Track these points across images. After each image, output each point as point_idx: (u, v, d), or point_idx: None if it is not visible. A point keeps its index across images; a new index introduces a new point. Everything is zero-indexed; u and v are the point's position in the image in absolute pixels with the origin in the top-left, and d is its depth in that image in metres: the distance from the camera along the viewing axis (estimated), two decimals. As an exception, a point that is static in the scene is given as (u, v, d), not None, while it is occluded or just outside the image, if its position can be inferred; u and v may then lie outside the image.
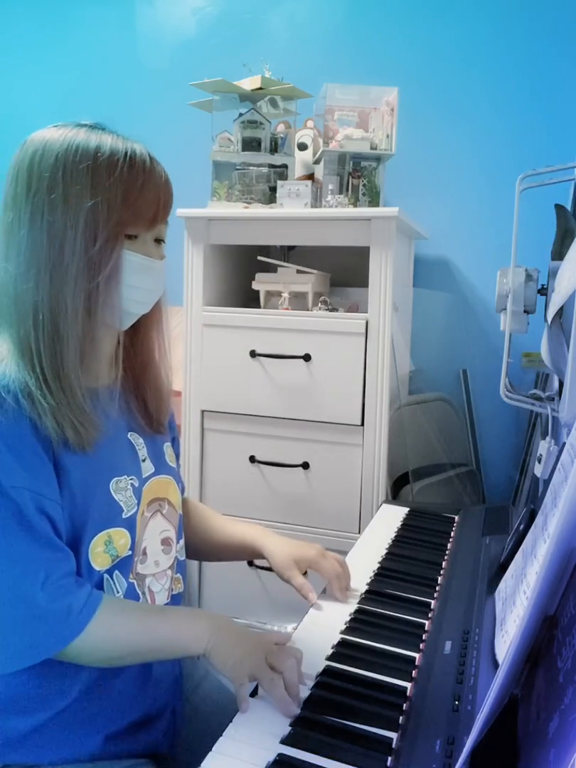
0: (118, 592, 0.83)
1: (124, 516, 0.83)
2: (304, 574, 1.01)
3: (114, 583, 0.82)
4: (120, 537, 0.82)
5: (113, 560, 0.82)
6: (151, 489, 0.91)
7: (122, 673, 0.83)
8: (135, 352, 0.92)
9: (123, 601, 0.82)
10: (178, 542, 0.96)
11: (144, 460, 0.91)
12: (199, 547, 1.06)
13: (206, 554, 1.10)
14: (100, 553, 0.80)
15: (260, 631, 0.78)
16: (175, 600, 0.95)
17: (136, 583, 0.87)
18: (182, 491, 1.03)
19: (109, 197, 0.77)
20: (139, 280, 0.82)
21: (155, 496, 0.91)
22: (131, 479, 0.86)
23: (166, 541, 0.92)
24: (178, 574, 0.96)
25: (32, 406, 0.75)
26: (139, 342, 0.92)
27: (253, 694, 0.73)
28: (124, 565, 0.84)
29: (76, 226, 0.76)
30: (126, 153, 0.78)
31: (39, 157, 0.77)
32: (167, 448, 0.98)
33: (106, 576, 0.81)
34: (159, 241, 0.86)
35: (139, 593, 0.87)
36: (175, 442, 1.05)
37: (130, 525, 0.84)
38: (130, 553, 0.84)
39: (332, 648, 0.83)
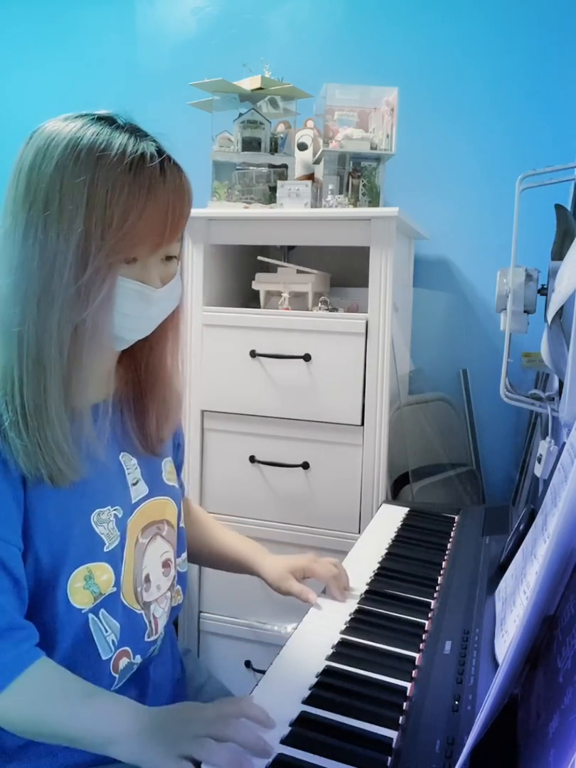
0: (107, 632, 0.79)
1: (105, 549, 0.79)
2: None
3: (102, 624, 0.79)
4: (102, 572, 0.78)
5: (96, 598, 0.78)
6: (145, 514, 0.87)
7: (123, 683, 0.82)
8: (144, 360, 0.86)
9: (53, 675, 0.72)
10: (179, 556, 0.94)
11: (135, 483, 0.86)
12: (195, 552, 1.05)
13: (200, 560, 1.09)
14: (79, 589, 0.76)
15: (220, 696, 0.71)
16: (175, 611, 0.94)
17: (143, 614, 0.85)
18: (183, 492, 1.02)
19: (105, 221, 0.69)
20: (135, 309, 0.75)
21: (151, 520, 0.88)
22: (115, 510, 0.81)
23: (165, 564, 0.90)
24: (178, 586, 0.94)
25: (3, 441, 0.70)
26: (149, 349, 0.86)
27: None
28: (110, 603, 0.80)
29: (67, 251, 0.69)
30: (133, 162, 0.70)
31: (40, 160, 0.71)
32: (166, 463, 0.93)
33: (90, 616, 0.77)
34: (169, 258, 0.77)
35: (146, 622, 0.85)
36: (179, 450, 1.02)
37: (113, 559, 0.80)
38: (114, 590, 0.80)
39: (332, 648, 0.83)
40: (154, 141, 0.76)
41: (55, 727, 0.69)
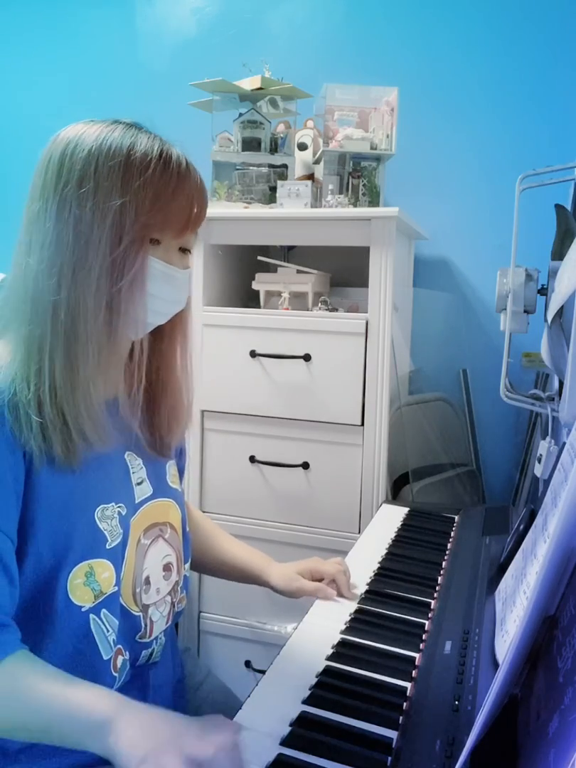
0: (109, 631, 0.79)
1: (108, 546, 0.79)
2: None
3: (103, 623, 0.78)
4: (103, 570, 0.78)
5: (96, 597, 0.78)
6: (148, 514, 0.87)
7: (122, 687, 0.82)
8: (155, 365, 0.88)
9: (29, 667, 0.68)
10: (184, 564, 0.94)
11: (140, 483, 0.86)
12: (197, 560, 1.04)
13: (204, 569, 1.09)
14: (80, 585, 0.76)
15: (187, 723, 0.64)
16: (177, 616, 0.93)
17: (141, 617, 0.84)
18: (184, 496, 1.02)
19: (139, 198, 0.74)
20: (160, 289, 0.79)
21: (154, 522, 0.88)
22: (119, 507, 0.82)
23: (167, 567, 0.89)
24: (184, 592, 0.94)
25: (15, 420, 0.71)
26: (160, 354, 0.88)
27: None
28: (110, 602, 0.79)
29: (103, 224, 0.73)
30: (161, 154, 0.76)
31: (72, 149, 0.75)
32: (170, 466, 0.94)
33: (91, 616, 0.77)
34: (185, 250, 0.82)
35: (143, 624, 0.85)
36: (181, 455, 1.02)
37: (115, 557, 0.80)
38: (115, 589, 0.80)
39: (332, 648, 0.83)
40: (176, 146, 0.81)
41: (30, 718, 0.65)
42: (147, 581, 0.85)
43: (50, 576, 0.75)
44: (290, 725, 0.67)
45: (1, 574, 0.70)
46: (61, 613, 0.75)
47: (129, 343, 0.83)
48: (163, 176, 0.75)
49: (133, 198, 0.74)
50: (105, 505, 0.80)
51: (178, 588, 0.92)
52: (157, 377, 0.88)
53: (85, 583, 0.77)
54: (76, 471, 0.76)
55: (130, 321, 0.77)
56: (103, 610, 0.79)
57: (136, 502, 0.86)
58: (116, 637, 0.81)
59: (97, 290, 0.74)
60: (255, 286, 1.72)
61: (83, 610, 0.77)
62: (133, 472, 0.86)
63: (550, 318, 1.07)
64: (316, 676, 0.76)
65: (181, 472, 1.01)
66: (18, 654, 0.69)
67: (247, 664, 1.74)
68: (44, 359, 0.73)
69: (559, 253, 1.26)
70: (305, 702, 0.72)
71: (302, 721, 0.68)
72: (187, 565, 0.95)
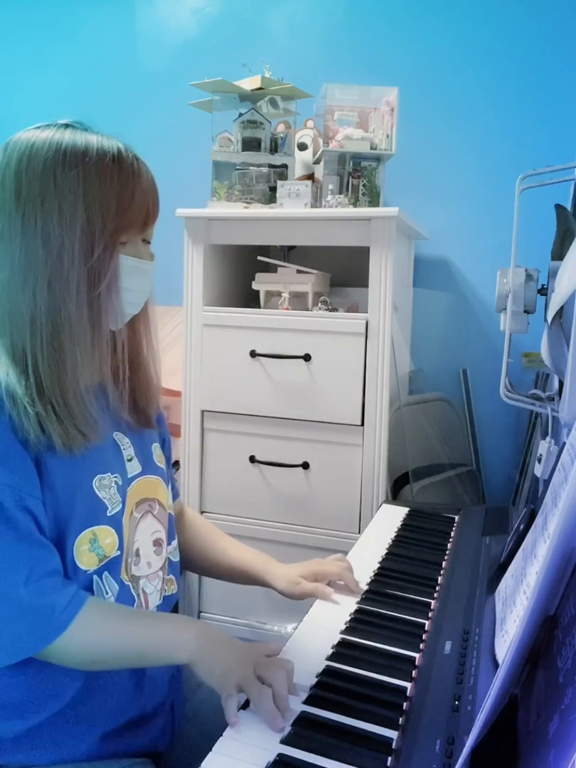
0: (108, 594, 0.82)
1: (108, 514, 0.82)
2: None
3: (104, 585, 0.82)
4: (106, 535, 0.82)
5: (101, 561, 0.81)
6: (139, 489, 0.90)
7: (117, 673, 0.83)
8: (125, 349, 0.91)
9: (109, 604, 0.81)
10: (170, 543, 0.95)
11: (130, 460, 0.90)
12: (198, 563, 1.06)
13: (204, 571, 1.10)
14: (85, 551, 0.79)
15: (251, 641, 0.78)
16: (168, 601, 0.94)
17: (131, 586, 0.86)
18: (176, 495, 1.03)
19: (103, 207, 0.77)
20: (133, 283, 0.83)
21: (144, 497, 0.91)
22: (115, 477, 0.85)
23: (157, 542, 0.92)
24: (171, 575, 0.95)
25: (13, 406, 0.74)
26: (128, 339, 0.92)
27: (244, 706, 0.71)
28: (113, 566, 0.82)
29: (72, 236, 0.76)
30: (114, 156, 0.79)
31: (26, 162, 0.77)
32: (155, 448, 0.97)
33: (95, 577, 0.81)
34: (146, 241, 0.86)
35: (134, 595, 0.87)
36: (165, 445, 1.04)
37: (116, 523, 0.83)
38: (118, 553, 0.83)
39: (332, 648, 0.83)
40: (117, 140, 0.83)
41: (124, 647, 0.77)
42: (137, 553, 0.88)
43: (57, 546, 0.78)
44: (291, 725, 0.68)
45: (41, 540, 0.75)
46: (70, 577, 0.78)
47: (109, 335, 0.86)
48: (120, 178, 0.78)
49: (98, 207, 0.77)
50: (102, 475, 0.83)
51: (167, 565, 0.94)
52: (130, 359, 0.92)
53: (90, 549, 0.80)
54: (75, 456, 0.79)
55: (110, 317, 0.82)
56: (105, 573, 0.82)
57: (129, 476, 0.89)
58: (115, 602, 0.83)
59: (77, 297, 0.77)
60: (255, 286, 1.72)
61: (88, 572, 0.80)
62: (123, 450, 0.90)
63: (550, 318, 1.07)
64: (316, 676, 0.76)
65: (168, 460, 1.03)
66: (92, 599, 0.78)
67: (247, 664, 1.74)
68: (29, 366, 0.77)
69: (559, 253, 1.26)
70: (305, 702, 0.72)
71: (302, 721, 0.68)
72: (172, 546, 0.96)
